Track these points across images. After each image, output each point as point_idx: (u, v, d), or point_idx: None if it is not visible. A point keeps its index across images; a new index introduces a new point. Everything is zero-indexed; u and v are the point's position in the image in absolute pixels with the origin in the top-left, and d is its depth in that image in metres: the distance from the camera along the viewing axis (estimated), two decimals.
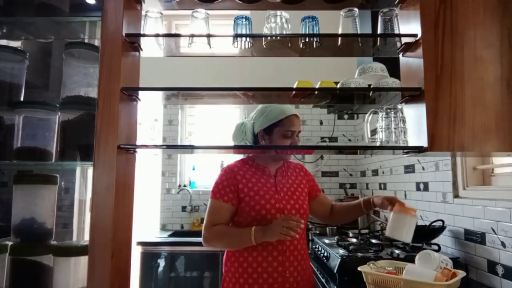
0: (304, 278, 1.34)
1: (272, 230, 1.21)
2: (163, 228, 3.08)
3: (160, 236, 2.75)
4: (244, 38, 1.07)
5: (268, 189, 1.36)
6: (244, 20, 1.06)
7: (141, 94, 1.02)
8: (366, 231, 2.13)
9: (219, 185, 1.35)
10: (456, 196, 1.63)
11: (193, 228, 3.05)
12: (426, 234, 1.61)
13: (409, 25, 1.00)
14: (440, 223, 1.61)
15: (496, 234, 1.35)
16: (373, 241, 1.82)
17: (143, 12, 1.09)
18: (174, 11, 1.19)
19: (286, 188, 1.40)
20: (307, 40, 1.07)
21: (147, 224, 2.87)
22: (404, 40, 1.01)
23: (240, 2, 1.13)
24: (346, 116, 3.20)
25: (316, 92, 1.06)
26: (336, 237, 1.99)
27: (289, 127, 1.36)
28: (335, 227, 2.53)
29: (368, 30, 1.68)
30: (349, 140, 3.19)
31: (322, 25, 1.08)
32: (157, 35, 1.04)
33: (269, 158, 1.42)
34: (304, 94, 1.08)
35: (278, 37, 1.06)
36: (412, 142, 1.00)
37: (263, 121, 1.38)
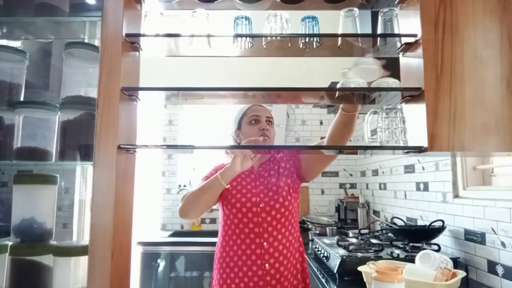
0: (291, 270, 1.34)
1: (234, 158, 1.23)
2: (163, 228, 3.08)
3: (160, 236, 2.75)
4: (244, 38, 1.07)
5: (247, 183, 1.40)
6: (244, 20, 1.06)
7: (141, 94, 1.02)
8: (366, 231, 2.13)
9: (208, 174, 1.45)
10: (456, 196, 1.63)
11: (193, 228, 3.06)
12: (426, 234, 1.61)
13: (409, 25, 1.00)
14: (440, 223, 1.61)
15: (496, 234, 1.35)
16: (373, 241, 1.82)
17: (143, 12, 1.09)
18: (174, 11, 1.19)
19: (267, 181, 1.41)
20: (307, 40, 1.07)
21: (147, 224, 2.87)
22: (404, 40, 1.01)
23: (240, 2, 1.13)
24: None
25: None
26: (336, 237, 1.99)
27: (253, 113, 1.42)
28: (335, 227, 2.54)
29: (368, 30, 1.68)
30: (349, 140, 3.18)
31: (322, 25, 1.08)
32: (157, 35, 1.04)
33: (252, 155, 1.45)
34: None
35: (278, 37, 1.06)
36: (412, 142, 1.00)
37: (233, 122, 1.46)
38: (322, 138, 1.44)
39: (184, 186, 3.13)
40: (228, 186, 1.33)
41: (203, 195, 1.31)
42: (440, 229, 1.60)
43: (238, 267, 1.32)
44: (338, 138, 1.33)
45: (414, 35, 0.98)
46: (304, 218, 2.73)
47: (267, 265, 1.31)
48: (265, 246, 1.32)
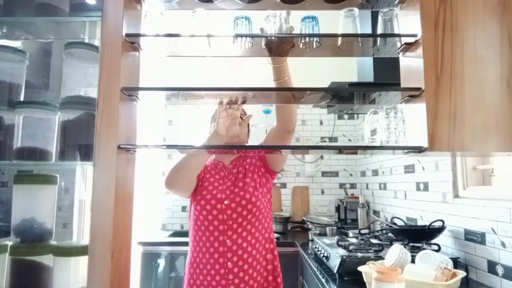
0: (258, 268, 1.33)
1: (218, 122, 1.18)
2: (163, 228, 3.08)
3: (160, 236, 2.75)
4: (244, 38, 1.07)
5: (215, 180, 1.40)
6: (244, 20, 1.06)
7: (141, 94, 1.02)
8: (366, 231, 2.13)
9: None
10: (456, 196, 1.63)
11: None
12: (426, 234, 1.61)
13: (409, 25, 1.00)
14: (440, 223, 1.61)
15: (496, 234, 1.35)
16: (373, 241, 1.82)
17: (143, 12, 1.09)
18: (174, 11, 1.19)
19: (235, 177, 1.40)
20: (307, 40, 1.07)
21: (147, 224, 2.87)
22: (404, 40, 1.01)
23: (240, 2, 1.13)
24: (346, 116, 3.20)
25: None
26: (336, 237, 1.99)
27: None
28: (335, 227, 2.54)
29: (368, 30, 1.68)
30: (349, 140, 3.19)
31: (322, 25, 1.08)
32: (157, 35, 1.04)
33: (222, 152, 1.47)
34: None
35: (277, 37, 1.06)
36: (412, 142, 1.00)
37: (211, 124, 1.43)
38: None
39: None
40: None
41: (188, 161, 1.29)
42: (440, 229, 1.60)
43: (203, 264, 1.31)
44: (281, 107, 1.27)
45: (414, 35, 0.98)
46: (304, 218, 2.73)
47: (229, 263, 1.29)
48: (228, 243, 1.30)
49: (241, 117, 1.37)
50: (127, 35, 0.98)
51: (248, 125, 1.48)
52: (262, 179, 1.42)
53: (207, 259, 1.31)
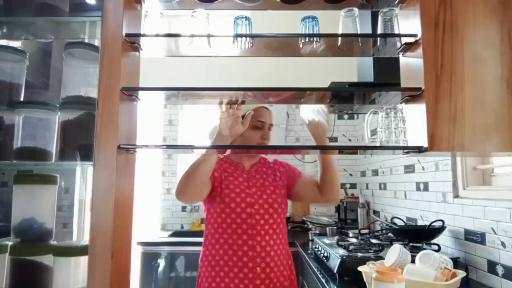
0: (278, 275, 1.34)
1: (220, 122, 1.17)
2: (163, 228, 3.08)
3: (160, 236, 2.75)
4: (244, 38, 1.07)
5: (239, 183, 1.38)
6: (244, 20, 1.06)
7: (141, 94, 1.02)
8: (366, 231, 2.13)
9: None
10: (456, 196, 1.63)
11: (193, 228, 3.05)
12: (426, 234, 1.61)
13: (409, 25, 1.00)
14: (440, 223, 1.61)
15: (496, 234, 1.35)
16: (373, 241, 1.82)
17: (143, 12, 1.09)
18: (174, 11, 1.19)
19: (260, 183, 1.40)
20: (307, 40, 1.07)
21: (147, 224, 2.87)
22: (404, 40, 1.01)
23: (240, 2, 1.13)
24: (346, 116, 3.20)
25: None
26: (336, 237, 1.99)
27: (259, 117, 1.39)
28: (335, 227, 2.53)
29: (368, 30, 1.68)
30: (349, 140, 3.19)
31: (322, 25, 1.08)
32: (157, 35, 1.04)
33: (243, 154, 1.45)
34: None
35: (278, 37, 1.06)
36: (412, 142, 1.00)
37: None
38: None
39: None
40: (221, 156, 1.29)
41: (197, 168, 1.23)
42: (440, 229, 1.60)
43: (228, 267, 1.29)
44: (329, 186, 1.43)
45: (414, 35, 0.98)
46: (304, 218, 2.72)
47: (258, 268, 1.29)
48: (258, 249, 1.30)
49: (270, 128, 1.42)
50: (127, 35, 0.98)
51: (270, 126, 1.44)
52: (284, 194, 1.46)
53: (234, 262, 1.29)
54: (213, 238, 1.35)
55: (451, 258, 1.27)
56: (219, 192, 1.35)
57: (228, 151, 1.44)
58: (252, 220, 1.33)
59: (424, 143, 0.92)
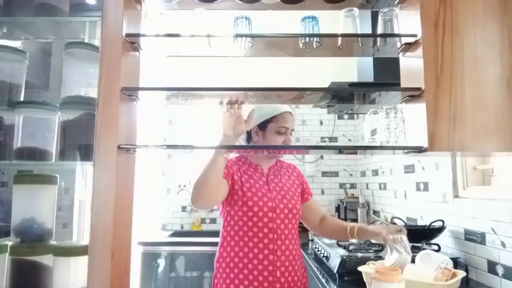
0: (295, 279, 1.35)
1: (223, 123, 1.14)
2: (163, 228, 3.08)
3: (160, 236, 2.75)
4: (244, 38, 1.07)
5: (260, 186, 1.37)
6: (244, 20, 1.06)
7: (141, 94, 1.02)
8: None
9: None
10: (456, 196, 1.63)
11: (193, 228, 3.05)
12: (426, 234, 1.61)
13: (409, 25, 1.00)
14: (440, 223, 1.61)
15: (496, 234, 1.35)
16: (373, 241, 1.82)
17: (143, 12, 1.09)
18: (174, 11, 1.19)
19: (279, 187, 1.40)
20: (307, 40, 1.07)
21: (147, 224, 2.87)
22: (404, 40, 1.01)
23: (240, 2, 1.13)
24: (346, 116, 3.20)
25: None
26: None
27: (283, 123, 1.39)
28: None
29: (368, 30, 1.68)
30: (349, 140, 3.19)
31: (322, 25, 1.08)
32: (157, 35, 1.04)
33: (262, 156, 1.43)
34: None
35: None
36: (412, 142, 1.00)
37: (257, 117, 1.37)
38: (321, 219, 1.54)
39: (184, 186, 3.13)
40: (229, 157, 1.27)
41: (206, 173, 1.20)
42: (440, 229, 1.60)
43: (248, 269, 1.29)
44: (329, 236, 1.59)
45: (414, 35, 0.98)
46: None
47: (278, 272, 1.29)
48: (278, 253, 1.31)
49: (291, 133, 1.42)
50: (127, 35, 0.98)
51: (291, 131, 1.45)
52: (299, 197, 1.47)
53: (254, 265, 1.29)
54: (232, 240, 1.34)
55: (451, 258, 1.27)
56: (241, 195, 1.33)
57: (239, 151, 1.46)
58: (273, 224, 1.33)
59: (424, 143, 0.92)
